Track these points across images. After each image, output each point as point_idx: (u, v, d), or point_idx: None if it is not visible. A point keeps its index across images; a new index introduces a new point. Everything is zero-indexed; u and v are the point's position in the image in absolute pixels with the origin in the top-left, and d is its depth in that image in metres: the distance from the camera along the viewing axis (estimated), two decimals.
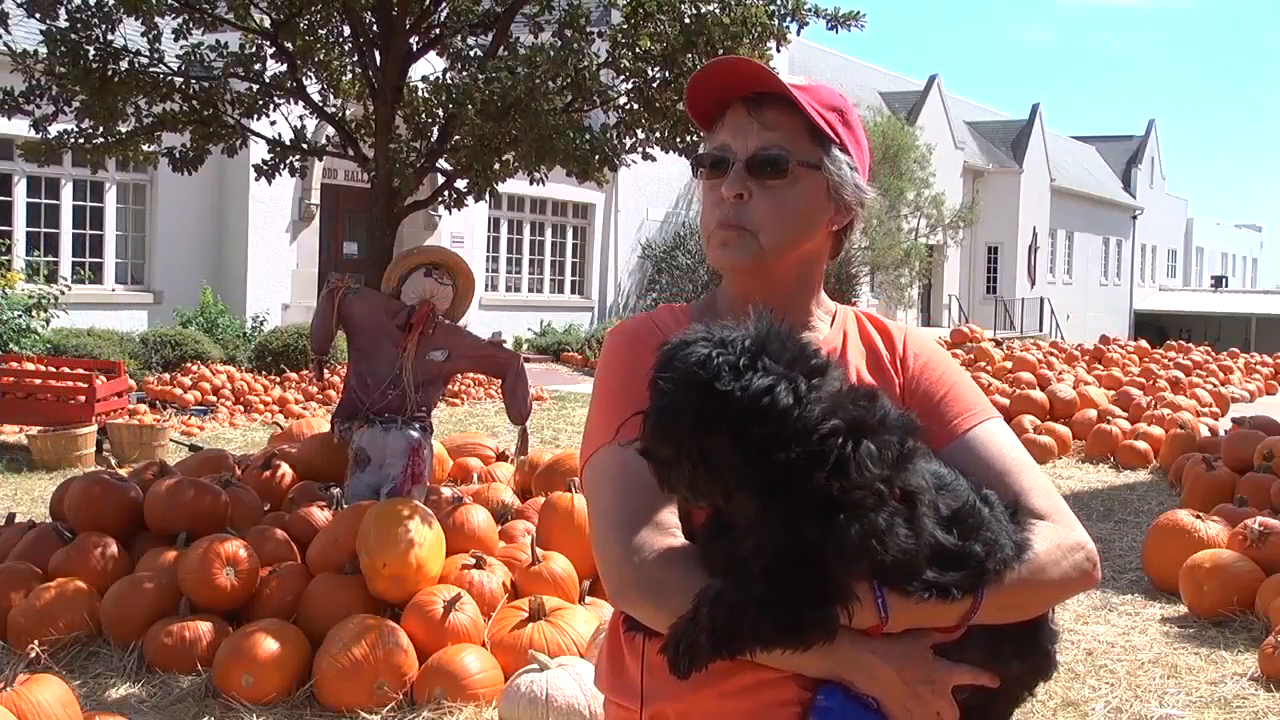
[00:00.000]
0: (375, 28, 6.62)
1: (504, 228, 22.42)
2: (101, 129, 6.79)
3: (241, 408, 13.26)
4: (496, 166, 6.33)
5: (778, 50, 6.52)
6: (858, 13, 6.36)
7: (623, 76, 6.54)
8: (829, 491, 1.25)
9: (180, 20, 6.84)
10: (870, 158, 1.64)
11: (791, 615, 1.31)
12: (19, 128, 7.78)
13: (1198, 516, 6.14)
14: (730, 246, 1.54)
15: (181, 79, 6.83)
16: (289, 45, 6.79)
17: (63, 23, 6.41)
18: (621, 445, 1.41)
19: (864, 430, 1.27)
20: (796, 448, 1.23)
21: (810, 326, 1.61)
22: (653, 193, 23.80)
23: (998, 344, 16.78)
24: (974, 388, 1.62)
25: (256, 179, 7.28)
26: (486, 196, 6.86)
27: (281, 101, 7.14)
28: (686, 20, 6.21)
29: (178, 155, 7.15)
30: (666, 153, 6.75)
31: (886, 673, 1.36)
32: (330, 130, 7.79)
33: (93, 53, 6.39)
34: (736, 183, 1.52)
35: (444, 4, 6.80)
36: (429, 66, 7.79)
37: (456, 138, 6.47)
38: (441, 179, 7.13)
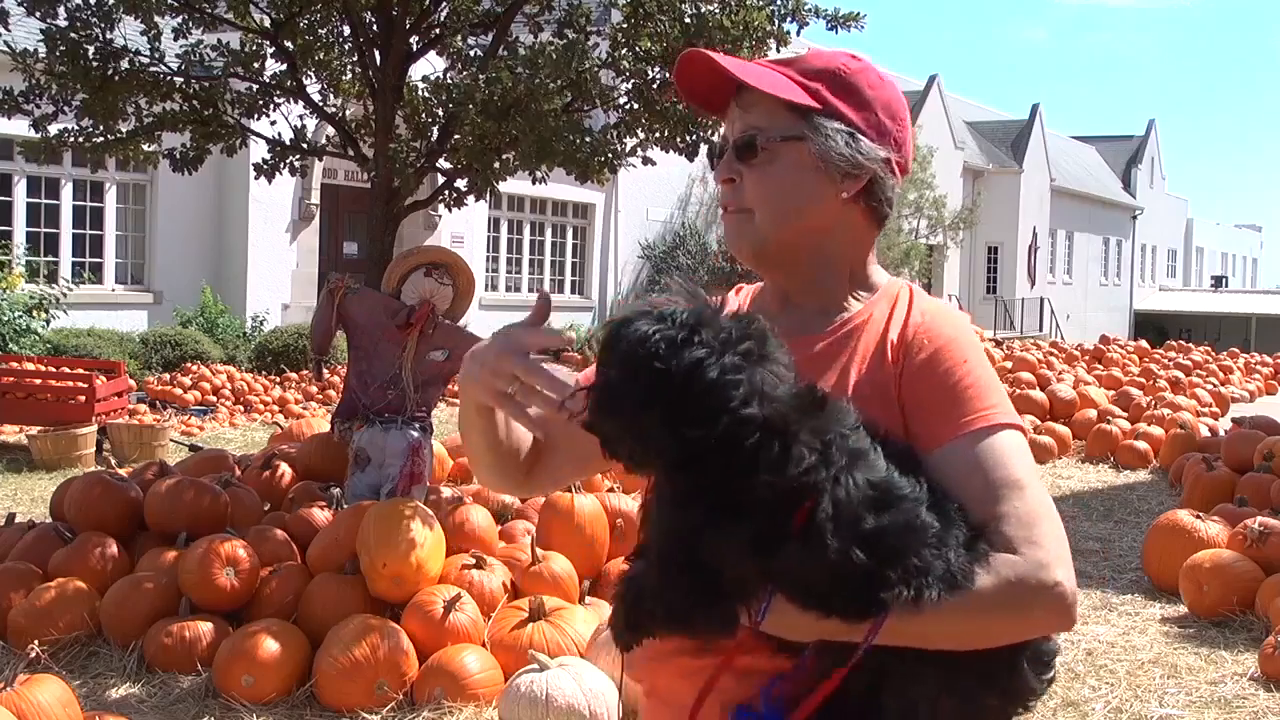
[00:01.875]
0: (375, 27, 6.62)
1: (504, 228, 22.41)
2: (101, 128, 6.79)
3: (241, 408, 13.26)
4: (496, 166, 6.33)
5: (778, 51, 6.51)
6: (858, 14, 6.36)
7: (623, 77, 6.54)
8: (723, 483, 1.22)
9: (180, 19, 6.84)
10: (898, 109, 1.53)
11: (682, 607, 1.30)
12: (19, 127, 7.78)
13: (1198, 516, 6.14)
14: (733, 234, 1.53)
15: (181, 78, 6.83)
16: (289, 45, 6.80)
17: (62, 21, 6.41)
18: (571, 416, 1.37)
19: (782, 430, 1.22)
20: (708, 427, 1.20)
21: (841, 305, 1.53)
22: (653, 193, 23.80)
23: (998, 344, 16.79)
24: (988, 386, 1.43)
25: (256, 179, 7.28)
26: (486, 196, 6.86)
27: (281, 101, 7.14)
28: (686, 20, 6.21)
29: (178, 155, 7.15)
30: (666, 153, 6.76)
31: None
32: (330, 130, 7.79)
33: (92, 52, 6.39)
34: (725, 168, 1.52)
35: (444, 4, 6.81)
36: (429, 66, 7.80)
37: (456, 137, 6.47)
38: (441, 179, 7.13)
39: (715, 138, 6.72)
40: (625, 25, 6.47)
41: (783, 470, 1.21)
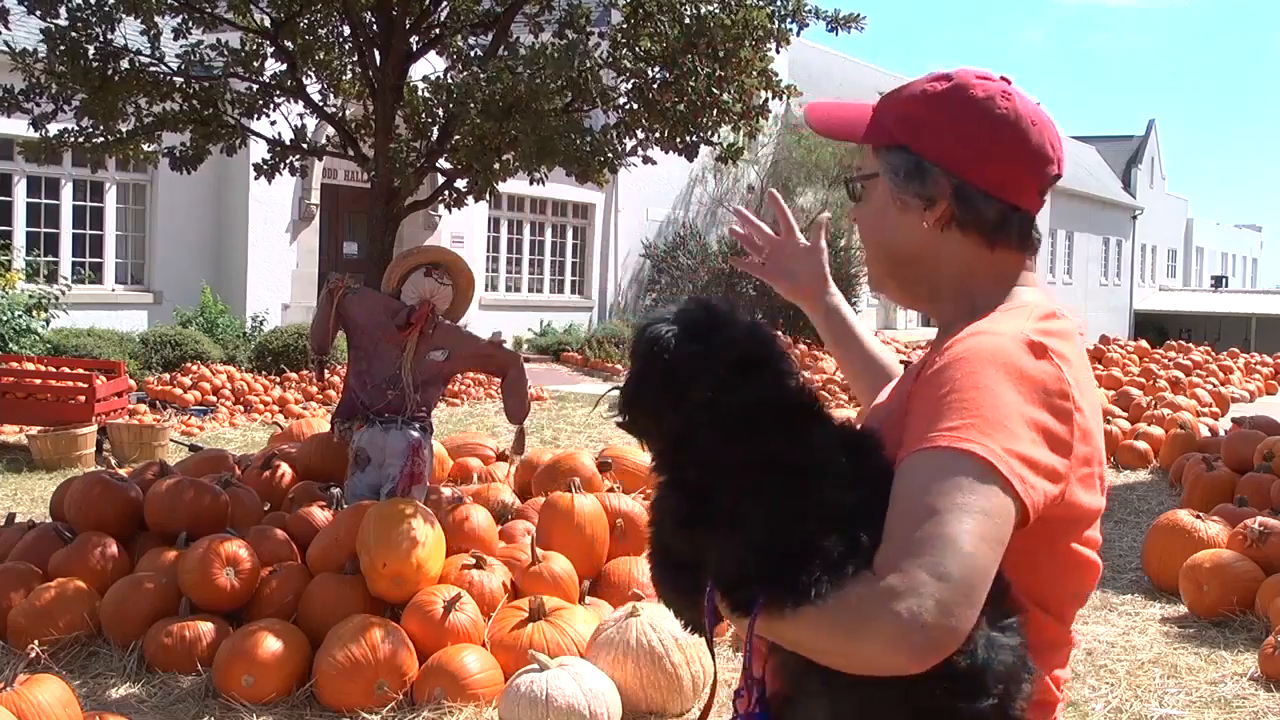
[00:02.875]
0: (375, 27, 6.62)
1: (504, 228, 22.41)
2: (101, 128, 6.79)
3: (241, 408, 13.26)
4: (496, 166, 6.33)
5: (777, 51, 6.52)
6: (858, 15, 6.36)
7: (623, 77, 6.53)
8: (685, 468, 1.34)
9: (180, 19, 6.84)
10: (997, 125, 1.45)
11: (661, 592, 1.42)
12: (19, 127, 7.78)
13: (1198, 516, 6.14)
14: (872, 282, 1.63)
15: (181, 78, 6.83)
16: (289, 45, 6.80)
17: (63, 21, 6.41)
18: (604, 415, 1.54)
19: (726, 415, 1.32)
20: (679, 411, 1.33)
21: (952, 331, 1.44)
22: (653, 193, 23.79)
23: None
24: (964, 408, 1.28)
25: (256, 179, 7.28)
26: (486, 196, 6.86)
27: (281, 101, 7.14)
28: (687, 21, 6.20)
29: (178, 155, 7.15)
30: (666, 153, 6.75)
31: None
32: (330, 130, 7.79)
33: (92, 51, 6.39)
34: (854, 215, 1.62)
35: (444, 4, 6.81)
36: (429, 66, 7.80)
37: (456, 138, 6.47)
38: (441, 179, 7.13)
39: (715, 139, 6.73)
40: (625, 25, 6.47)
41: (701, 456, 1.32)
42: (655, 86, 6.42)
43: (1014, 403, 1.29)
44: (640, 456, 5.71)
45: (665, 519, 1.36)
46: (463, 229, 19.78)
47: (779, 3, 6.29)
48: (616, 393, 1.40)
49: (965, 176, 1.44)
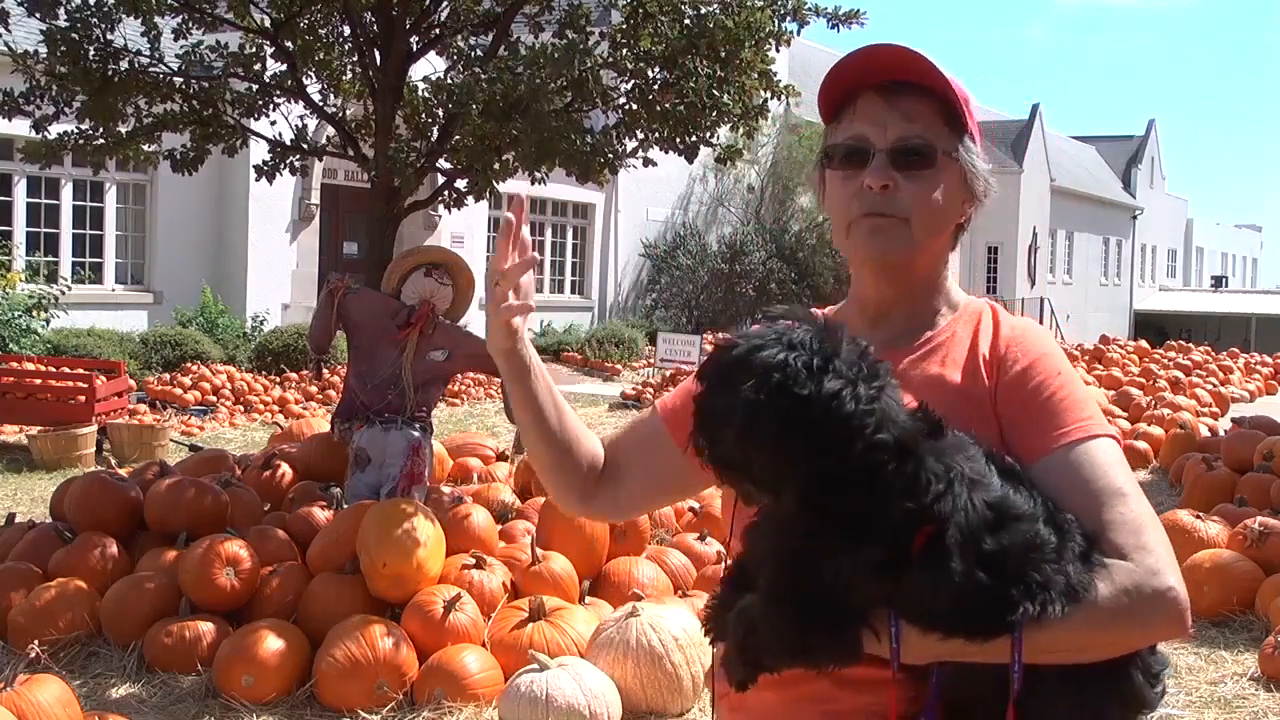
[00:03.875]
0: (375, 28, 6.62)
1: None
2: (102, 129, 6.79)
3: (241, 408, 13.26)
4: (496, 166, 6.33)
5: (777, 50, 6.51)
6: (858, 11, 6.34)
7: (623, 77, 6.53)
8: (857, 509, 1.24)
9: (180, 20, 6.84)
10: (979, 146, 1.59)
11: (801, 637, 1.30)
12: (19, 128, 7.78)
13: (1198, 516, 6.14)
14: (883, 234, 1.50)
15: (181, 79, 6.83)
16: (289, 45, 6.79)
17: (62, 22, 6.41)
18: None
19: (909, 452, 1.25)
20: (843, 455, 1.23)
21: (928, 322, 1.56)
22: (653, 193, 23.80)
23: None
24: (1082, 398, 1.45)
25: (256, 179, 7.28)
26: (487, 196, 6.86)
27: (281, 101, 7.14)
28: (687, 21, 6.20)
29: (178, 155, 7.15)
30: (666, 153, 6.75)
31: None
32: (330, 130, 7.79)
33: (93, 52, 6.39)
34: (882, 173, 1.48)
35: (444, 4, 6.81)
36: (429, 66, 7.79)
37: (457, 138, 6.47)
38: (441, 179, 7.13)
39: (715, 139, 6.73)
40: (625, 25, 6.47)
41: (914, 493, 1.24)
42: (655, 87, 6.41)
43: (1084, 385, 1.51)
44: None
45: (845, 562, 1.27)
46: (463, 229, 19.79)
47: (779, 1, 6.28)
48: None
49: (988, 185, 1.57)
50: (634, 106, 6.51)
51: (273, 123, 7.22)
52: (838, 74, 1.51)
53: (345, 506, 5.19)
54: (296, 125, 7.23)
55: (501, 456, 6.87)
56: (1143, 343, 19.09)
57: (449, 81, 6.45)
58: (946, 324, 1.56)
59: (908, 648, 1.30)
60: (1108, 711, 1.38)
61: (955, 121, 1.51)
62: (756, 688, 1.41)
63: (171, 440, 10.43)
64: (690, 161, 6.85)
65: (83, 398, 10.08)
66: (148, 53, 6.68)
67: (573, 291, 23.99)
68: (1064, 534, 1.32)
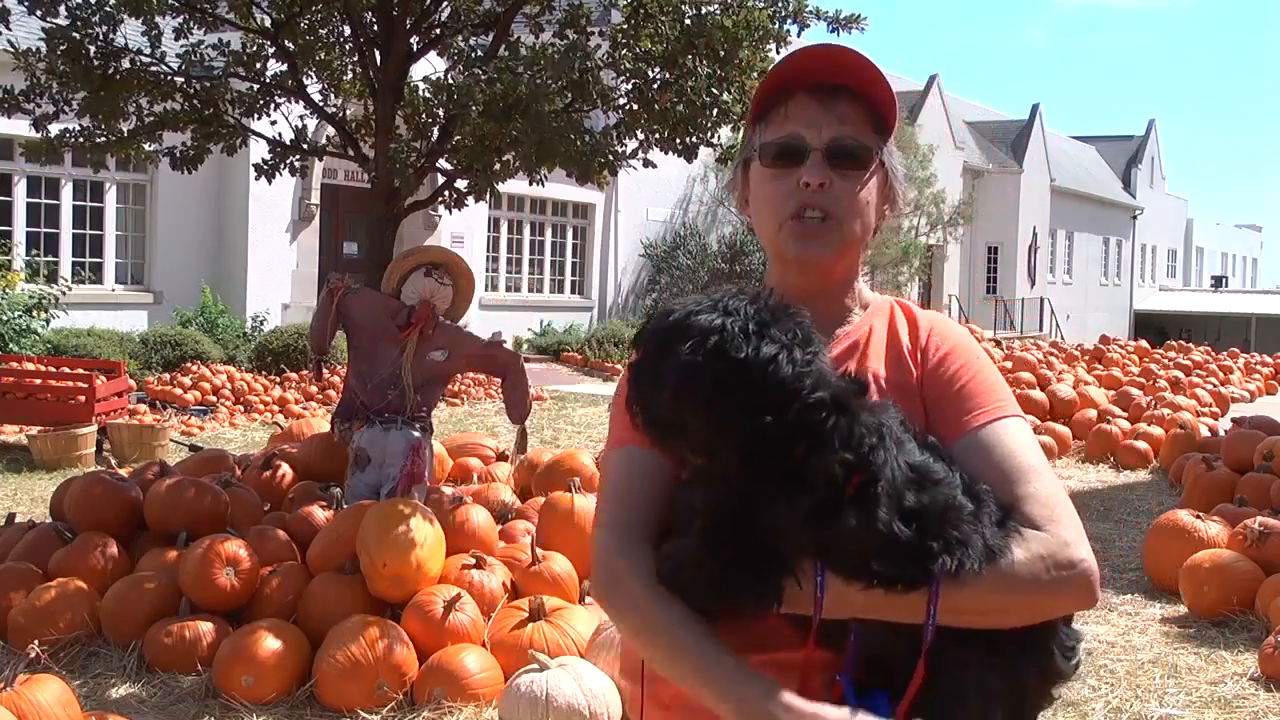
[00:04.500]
0: (375, 28, 6.61)
1: (504, 228, 22.41)
2: (103, 128, 6.79)
3: (241, 408, 13.26)
4: (497, 167, 6.32)
5: (777, 52, 6.51)
6: (858, 16, 6.34)
7: (623, 77, 6.53)
8: (795, 462, 1.29)
9: (181, 19, 6.84)
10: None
11: (727, 578, 1.35)
12: (20, 127, 7.78)
13: (1198, 516, 6.14)
14: (814, 240, 1.55)
15: (182, 78, 6.82)
16: (289, 45, 6.79)
17: (63, 21, 6.41)
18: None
19: (844, 409, 1.31)
20: (783, 414, 1.28)
21: (842, 319, 1.62)
22: (653, 193, 23.79)
23: (998, 344, 16.78)
24: (996, 382, 1.56)
25: (256, 179, 7.27)
26: (486, 196, 6.86)
27: (282, 101, 7.14)
28: (687, 21, 6.20)
29: (178, 155, 7.15)
30: (666, 154, 6.75)
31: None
32: (330, 130, 7.78)
33: (93, 51, 6.39)
34: (818, 171, 1.52)
35: (444, 4, 6.80)
36: (429, 66, 7.79)
37: (457, 138, 6.47)
38: (441, 179, 7.13)
39: (715, 139, 6.72)
40: (625, 25, 6.47)
41: (850, 445, 1.30)
42: (655, 87, 6.41)
43: (996, 369, 1.61)
44: None
45: (781, 512, 1.31)
46: (463, 229, 19.79)
47: (779, 3, 6.28)
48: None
49: (905, 191, 1.63)
50: (634, 107, 6.51)
51: (273, 122, 7.22)
52: (772, 76, 1.56)
53: (345, 506, 5.19)
54: (296, 125, 7.23)
55: (501, 456, 6.87)
56: (1143, 343, 19.08)
57: (449, 81, 6.44)
58: (861, 320, 1.62)
59: (832, 598, 1.34)
60: (1025, 681, 1.43)
61: (882, 126, 1.56)
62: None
63: (171, 440, 10.43)
64: (690, 162, 6.84)
65: (83, 398, 10.08)
66: (148, 52, 6.68)
67: (573, 291, 23.99)
68: (980, 502, 1.39)
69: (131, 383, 12.28)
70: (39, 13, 6.46)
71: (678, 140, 6.44)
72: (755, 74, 6.33)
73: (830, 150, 1.52)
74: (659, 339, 1.34)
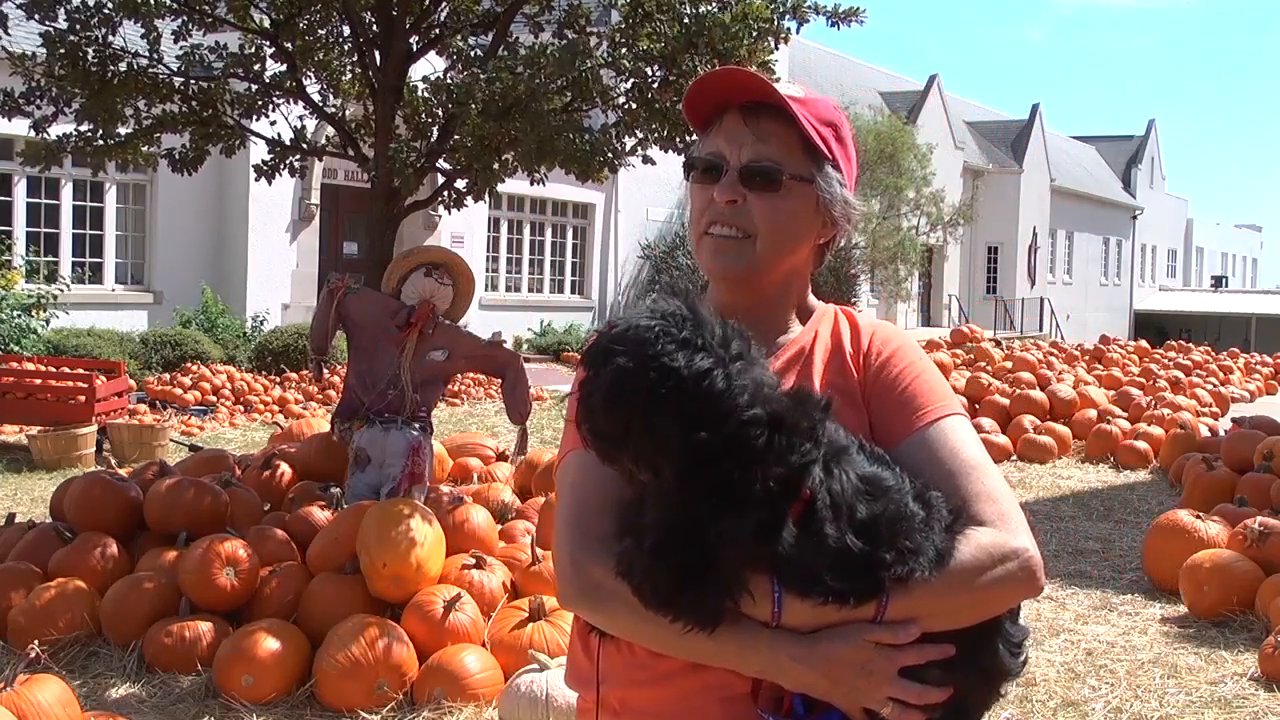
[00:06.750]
0: (375, 28, 6.61)
1: (504, 228, 22.42)
2: (101, 131, 6.78)
3: (241, 408, 13.26)
4: (496, 166, 6.32)
5: (776, 48, 6.51)
6: (858, 8, 6.34)
7: (622, 76, 6.53)
8: (732, 479, 1.29)
9: (180, 22, 6.83)
10: (856, 170, 1.67)
11: (669, 594, 1.36)
12: (20, 128, 7.77)
13: (1198, 516, 6.14)
14: (724, 254, 1.59)
15: (181, 80, 6.82)
16: (289, 45, 6.79)
17: (62, 24, 6.41)
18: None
19: (782, 425, 1.30)
20: (717, 430, 1.28)
21: (783, 329, 1.65)
22: (653, 193, 23.80)
23: (998, 344, 16.77)
24: (937, 383, 1.59)
25: (256, 179, 7.27)
26: (486, 196, 6.86)
27: (281, 101, 7.13)
28: (686, 20, 6.20)
29: (177, 156, 7.14)
30: (666, 153, 6.75)
31: (808, 675, 1.38)
32: (330, 130, 7.78)
33: (92, 54, 6.39)
34: (729, 189, 1.56)
35: (444, 4, 6.80)
36: (429, 66, 7.79)
37: (456, 138, 6.47)
38: (441, 179, 7.13)
39: None
40: (625, 25, 6.47)
41: (787, 462, 1.29)
42: (655, 86, 6.41)
43: (937, 369, 1.65)
44: None
45: (727, 528, 1.31)
46: (463, 229, 19.79)
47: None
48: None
49: (850, 211, 1.63)
50: (633, 106, 6.51)
51: (272, 123, 7.21)
52: (701, 89, 1.59)
53: (345, 506, 5.19)
54: (296, 125, 7.23)
55: (501, 456, 6.87)
56: (1143, 343, 19.07)
57: (449, 81, 6.44)
58: (804, 330, 1.65)
59: (789, 612, 1.36)
60: (973, 679, 1.45)
61: (815, 149, 1.57)
62: (641, 685, 1.49)
63: (171, 440, 10.43)
64: None
65: (83, 398, 10.08)
66: (147, 54, 6.67)
67: (573, 291, 23.99)
68: (930, 508, 1.41)
69: (131, 383, 12.28)
70: (38, 16, 6.46)
71: (678, 139, 6.44)
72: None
73: (744, 170, 1.56)
74: (600, 353, 1.35)
